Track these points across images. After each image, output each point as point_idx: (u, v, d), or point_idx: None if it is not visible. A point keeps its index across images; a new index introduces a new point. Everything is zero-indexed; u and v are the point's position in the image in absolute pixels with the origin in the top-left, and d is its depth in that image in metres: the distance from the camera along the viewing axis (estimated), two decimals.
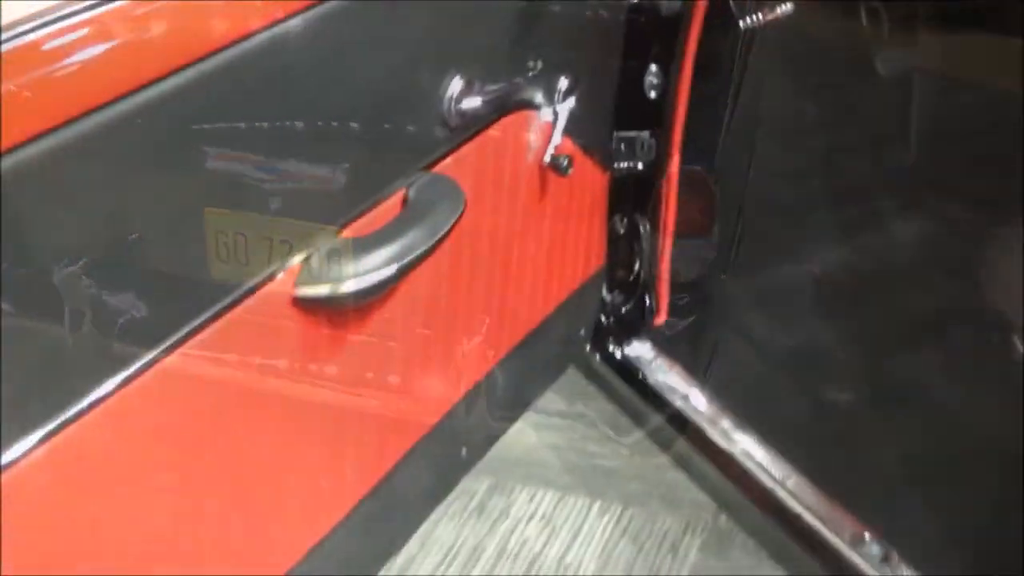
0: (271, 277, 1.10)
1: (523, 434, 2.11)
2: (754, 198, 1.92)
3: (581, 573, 1.88)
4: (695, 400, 1.75)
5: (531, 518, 1.98)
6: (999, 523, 1.49)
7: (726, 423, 1.71)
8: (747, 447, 1.65)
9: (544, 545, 1.93)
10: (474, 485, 2.02)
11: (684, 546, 1.91)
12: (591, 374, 1.89)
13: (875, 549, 1.47)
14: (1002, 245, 1.50)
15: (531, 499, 2.01)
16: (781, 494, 1.58)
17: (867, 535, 1.48)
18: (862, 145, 1.98)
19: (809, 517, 1.53)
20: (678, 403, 1.76)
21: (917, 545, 1.46)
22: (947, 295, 1.69)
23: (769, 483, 1.60)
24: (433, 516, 1.95)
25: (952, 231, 1.75)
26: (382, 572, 1.80)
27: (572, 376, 2.11)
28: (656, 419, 1.80)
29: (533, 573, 1.88)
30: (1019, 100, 1.84)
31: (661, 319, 1.83)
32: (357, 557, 1.39)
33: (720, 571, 1.87)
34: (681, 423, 1.75)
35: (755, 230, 1.92)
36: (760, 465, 1.62)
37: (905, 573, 1.44)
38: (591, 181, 1.69)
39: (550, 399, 2.14)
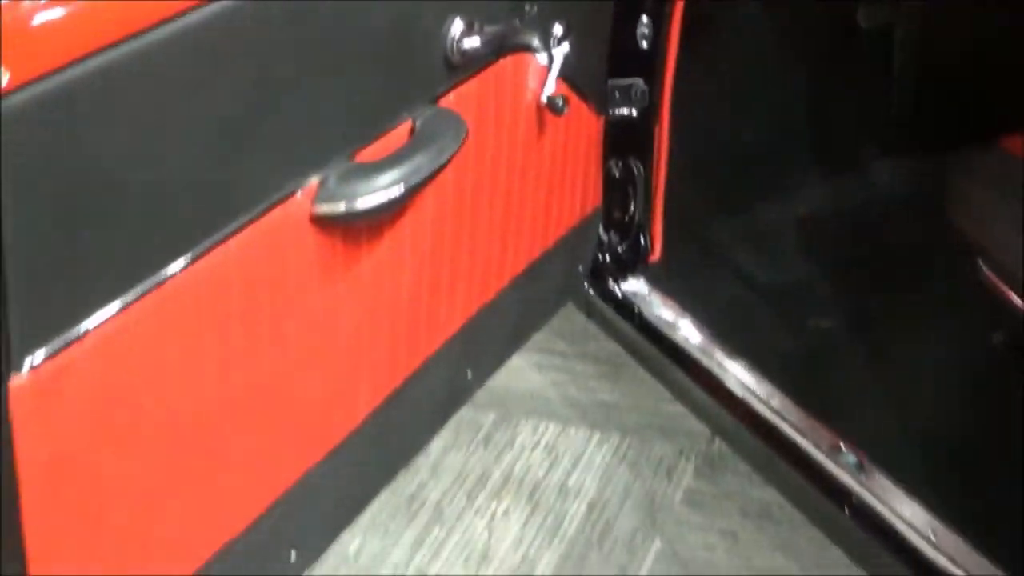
0: (291, 195, 1.22)
1: (527, 372, 2.24)
2: (743, 144, 2.04)
3: (582, 496, 2.00)
4: (688, 332, 1.86)
5: (535, 448, 2.10)
6: (967, 432, 1.62)
7: (718, 353, 1.82)
8: (738, 374, 1.76)
9: (547, 472, 2.06)
10: (480, 418, 2.14)
11: (679, 471, 2.04)
12: (591, 312, 2.00)
13: (851, 459, 1.59)
14: (968, 176, 1.61)
15: (534, 431, 2.13)
16: (766, 412, 1.69)
17: (843, 445, 1.59)
18: (848, 95, 2.10)
19: (789, 430, 1.65)
20: (673, 336, 1.87)
21: (891, 454, 1.58)
22: (922, 228, 1.80)
23: (756, 404, 1.71)
24: (442, 446, 2.08)
25: (927, 171, 1.86)
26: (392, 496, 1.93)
27: (573, 318, 2.23)
28: (652, 352, 1.91)
29: (537, 497, 2.01)
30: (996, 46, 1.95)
31: (655, 256, 1.95)
32: (369, 466, 1.50)
33: (712, 493, 1.99)
34: (676, 355, 1.86)
35: (743, 174, 2.04)
36: (748, 388, 1.73)
37: (879, 478, 1.55)
38: (586, 125, 1.80)
39: (552, 340, 2.27)
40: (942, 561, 1.46)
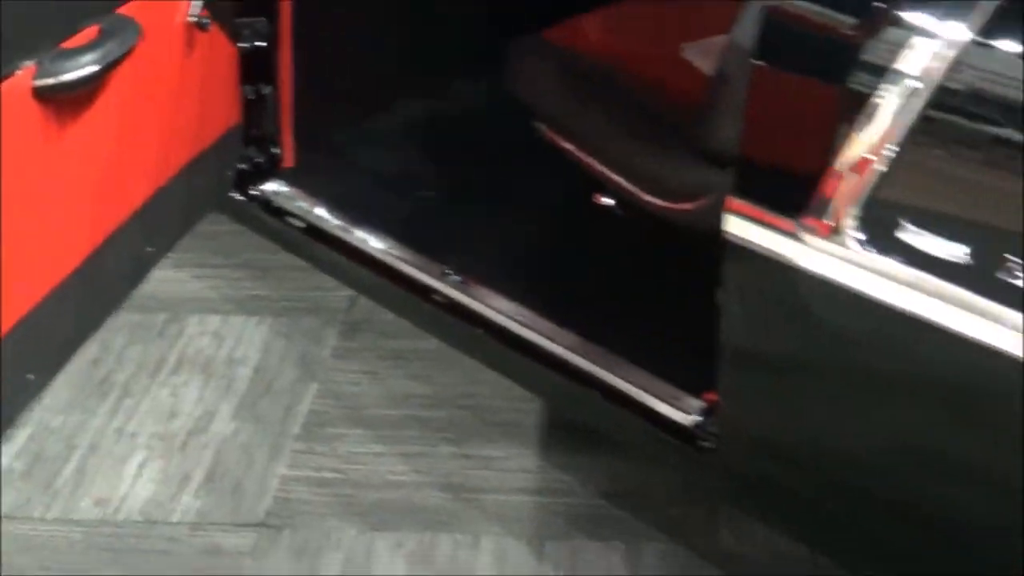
0: (16, 71, 1.60)
1: (188, 283, 2.63)
2: (358, 66, 2.52)
3: (247, 363, 2.42)
4: (324, 216, 2.31)
5: (202, 335, 2.50)
6: (544, 251, 2.18)
7: (350, 227, 2.27)
8: (367, 239, 2.23)
9: (215, 351, 2.46)
10: (152, 320, 2.52)
11: (325, 336, 2.49)
12: (241, 216, 2.41)
13: (455, 278, 2.09)
14: (523, 51, 2.16)
15: (200, 323, 2.53)
16: (393, 262, 2.16)
17: (447, 269, 2.10)
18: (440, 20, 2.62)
19: (409, 268, 2.13)
20: (312, 221, 2.31)
21: (486, 272, 2.10)
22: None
23: (385, 258, 2.17)
24: (122, 343, 2.44)
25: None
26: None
27: (222, 238, 2.65)
28: (298, 238, 2.33)
29: (210, 369, 2.41)
30: None
31: (289, 163, 2.39)
32: (62, 327, 1.86)
33: (353, 348, 2.46)
34: (317, 235, 2.29)
35: (360, 90, 2.52)
36: (377, 249, 2.20)
37: (478, 288, 2.07)
38: (227, 52, 2.23)
39: (208, 256, 2.67)
40: (533, 336, 1.98)
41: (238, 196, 2.37)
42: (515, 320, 2.01)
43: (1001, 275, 1.29)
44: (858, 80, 1.34)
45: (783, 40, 1.42)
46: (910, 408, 1.48)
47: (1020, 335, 1.29)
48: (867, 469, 1.57)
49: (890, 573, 1.69)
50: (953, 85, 1.29)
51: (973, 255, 1.31)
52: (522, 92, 2.13)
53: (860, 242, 1.38)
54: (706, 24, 2.08)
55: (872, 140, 1.34)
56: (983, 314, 1.31)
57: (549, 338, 1.98)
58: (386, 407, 2.29)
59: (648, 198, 1.92)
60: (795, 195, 1.43)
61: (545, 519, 2.05)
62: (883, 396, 1.50)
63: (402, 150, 2.48)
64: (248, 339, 2.48)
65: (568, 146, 2.07)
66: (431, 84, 2.61)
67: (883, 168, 1.34)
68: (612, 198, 2.05)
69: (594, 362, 1.92)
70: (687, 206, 1.83)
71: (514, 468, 2.15)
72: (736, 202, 1.48)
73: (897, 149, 1.33)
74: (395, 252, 2.20)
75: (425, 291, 2.12)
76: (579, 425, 2.20)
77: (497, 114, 2.36)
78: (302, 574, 1.97)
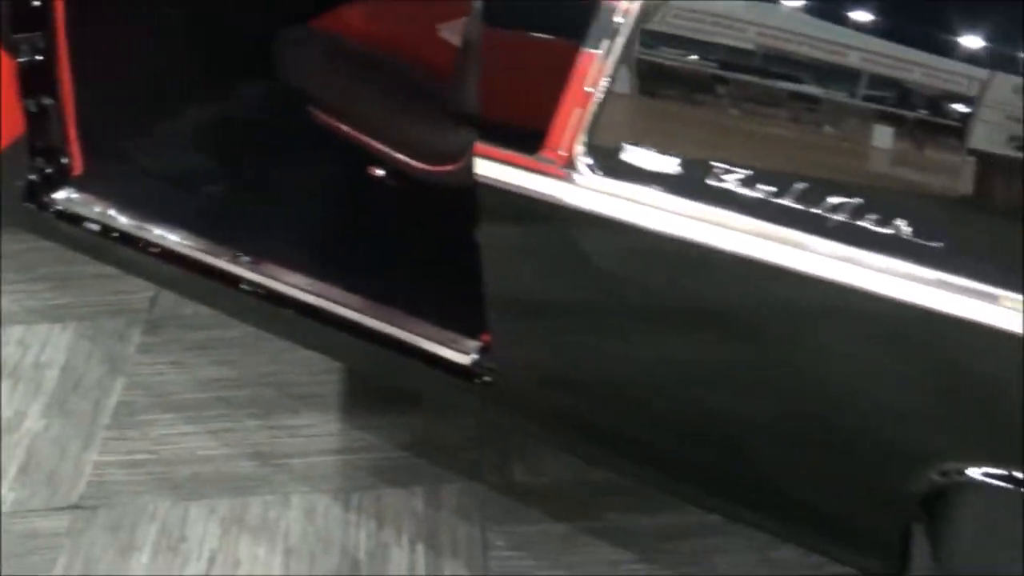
0: None
1: None
2: (142, 76, 2.61)
3: (54, 366, 2.49)
4: (117, 216, 2.39)
5: (7, 344, 2.56)
6: (325, 228, 2.32)
7: (144, 225, 2.36)
8: (163, 234, 2.32)
9: (22, 357, 2.52)
10: None
11: (128, 335, 2.57)
12: (36, 226, 2.48)
13: (246, 259, 2.21)
14: (291, 41, 2.30)
15: (3, 334, 2.59)
16: (190, 253, 2.26)
17: (237, 252, 2.22)
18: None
19: (206, 256, 2.24)
20: (106, 222, 2.39)
21: (274, 251, 2.22)
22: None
23: (183, 250, 2.27)
24: None
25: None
26: None
27: (21, 249, 2.72)
28: (96, 241, 2.40)
29: (17, 374, 2.47)
30: None
31: (78, 171, 2.48)
32: None
33: (157, 343, 2.55)
34: (113, 235, 2.37)
35: (145, 98, 2.61)
36: (173, 241, 2.29)
37: (268, 266, 2.19)
38: (8, 67, 2.31)
39: (5, 273, 2.73)
40: (325, 303, 2.10)
41: (30, 207, 2.44)
42: (307, 291, 2.14)
43: (710, 181, 1.48)
44: (570, 30, 1.53)
45: (503, 4, 1.61)
46: (659, 321, 1.66)
47: (735, 233, 1.47)
48: (630, 385, 1.75)
49: (668, 481, 1.87)
50: (650, 26, 1.48)
51: (684, 167, 1.50)
52: (294, 80, 2.28)
53: (589, 167, 1.56)
54: (462, 7, 2.27)
55: (590, 77, 1.53)
56: (702, 219, 1.49)
57: (340, 304, 2.11)
58: (193, 391, 2.40)
59: (417, 164, 2.08)
60: (531, 134, 1.60)
61: (350, 474, 2.19)
62: (633, 313, 1.68)
63: (189, 151, 2.59)
64: (53, 344, 2.56)
65: (341, 126, 2.22)
66: (214, 86, 2.73)
67: (600, 100, 1.53)
68: (385, 169, 2.20)
69: (381, 319, 2.06)
70: (450, 167, 2.00)
71: (319, 433, 2.28)
72: (481, 146, 1.65)
73: (610, 81, 1.51)
74: (188, 243, 2.31)
75: (221, 276, 2.23)
76: (378, 388, 2.35)
77: (277, 105, 2.50)
78: (118, 547, 2.06)
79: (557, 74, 1.56)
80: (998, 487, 1.41)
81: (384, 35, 2.31)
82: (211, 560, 2.04)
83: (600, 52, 1.51)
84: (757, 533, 1.94)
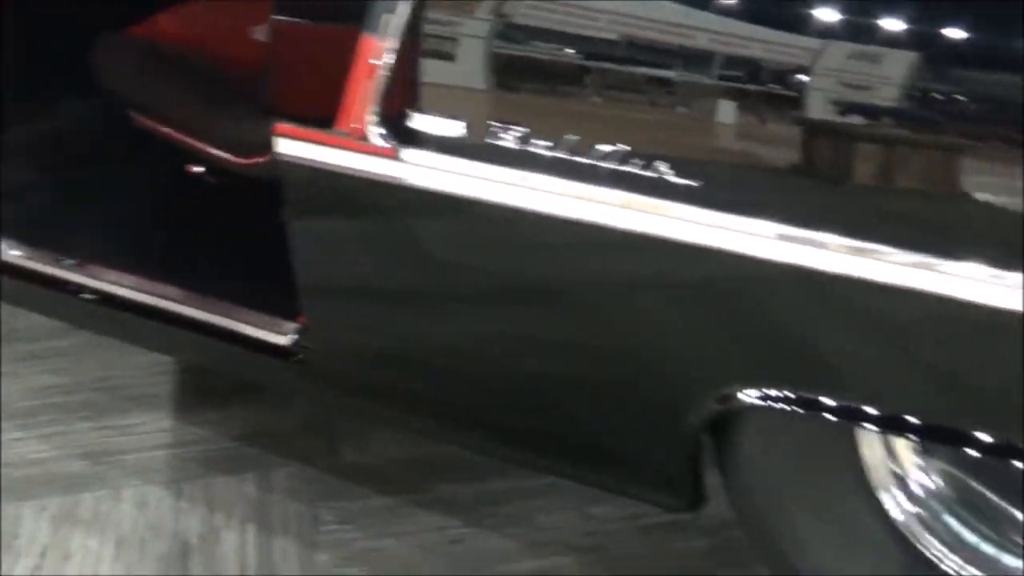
0: None
1: None
2: None
3: None
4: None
5: None
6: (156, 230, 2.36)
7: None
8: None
9: None
10: None
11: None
12: None
13: (70, 261, 2.24)
14: (107, 48, 2.35)
15: None
16: (8, 259, 2.28)
17: (59, 256, 2.24)
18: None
19: (28, 263, 2.25)
20: None
21: (104, 253, 2.25)
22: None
23: (7, 258, 2.29)
24: None
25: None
26: None
27: None
28: None
29: None
30: None
31: None
32: None
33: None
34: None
35: None
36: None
37: (99, 270, 2.21)
38: None
39: None
40: (152, 300, 2.12)
41: None
42: (135, 289, 2.18)
43: (489, 140, 1.57)
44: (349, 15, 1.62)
45: None
46: (449, 280, 1.74)
47: (513, 188, 1.56)
48: (431, 347, 1.82)
49: (482, 441, 1.94)
50: None
51: (466, 129, 1.58)
52: (112, 86, 2.33)
53: (382, 136, 1.64)
54: None
55: (375, 51, 1.61)
56: (482, 177, 1.59)
57: (167, 299, 2.16)
58: (24, 400, 2.42)
59: (232, 159, 2.15)
60: (325, 111, 1.68)
61: (181, 466, 2.23)
62: (429, 275, 1.76)
63: (13, 165, 2.61)
64: None
65: (160, 127, 2.27)
66: (37, 105, 2.75)
67: (385, 72, 1.61)
68: (204, 166, 2.26)
69: (206, 310, 2.12)
70: (260, 159, 2.07)
71: (151, 430, 2.32)
72: (280, 126, 1.72)
73: (393, 53, 1.60)
74: (14, 252, 2.33)
75: (47, 282, 2.26)
76: (212, 386, 2.39)
77: (98, 114, 2.54)
78: None
79: (348, 54, 1.64)
80: (775, 408, 1.52)
81: (199, 39, 2.38)
82: (42, 555, 2.06)
83: (382, 27, 1.60)
84: (576, 493, 2.04)
